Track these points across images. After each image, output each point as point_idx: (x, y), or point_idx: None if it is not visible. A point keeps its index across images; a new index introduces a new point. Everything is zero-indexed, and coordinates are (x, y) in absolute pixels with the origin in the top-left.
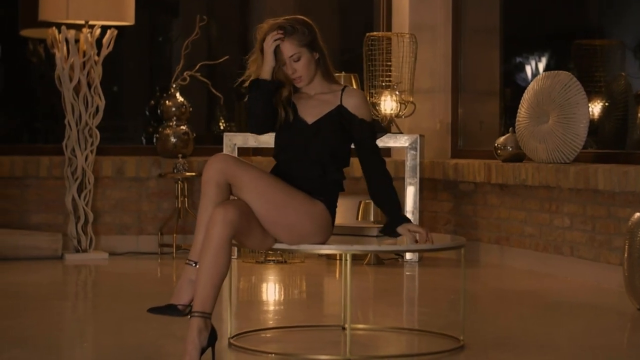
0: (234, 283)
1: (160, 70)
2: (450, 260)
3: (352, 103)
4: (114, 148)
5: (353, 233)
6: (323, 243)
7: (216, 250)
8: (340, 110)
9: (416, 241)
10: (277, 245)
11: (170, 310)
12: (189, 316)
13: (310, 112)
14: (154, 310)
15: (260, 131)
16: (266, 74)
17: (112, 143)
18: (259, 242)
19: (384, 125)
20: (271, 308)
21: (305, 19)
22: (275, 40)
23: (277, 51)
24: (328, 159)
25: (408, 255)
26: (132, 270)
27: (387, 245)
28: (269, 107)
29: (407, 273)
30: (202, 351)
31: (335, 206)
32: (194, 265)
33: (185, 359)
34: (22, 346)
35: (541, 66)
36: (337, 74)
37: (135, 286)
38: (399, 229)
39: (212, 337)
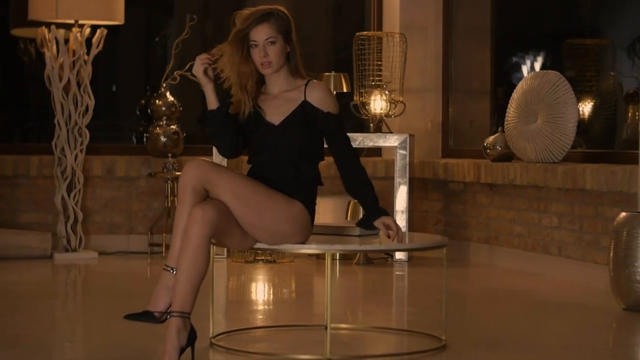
0: (223, 282)
1: (155, 69)
2: (440, 259)
3: (315, 97)
4: (104, 147)
5: (336, 232)
6: (303, 242)
7: (195, 249)
8: (305, 106)
9: (388, 236)
10: (258, 245)
11: (146, 317)
12: (168, 317)
13: (276, 112)
14: (130, 317)
15: (231, 155)
16: (211, 103)
17: (109, 142)
18: (239, 241)
19: (373, 125)
20: (259, 307)
21: (287, 12)
22: (203, 64)
23: (248, 36)
24: (299, 158)
25: (397, 255)
26: (122, 269)
27: (368, 245)
28: (228, 132)
29: (397, 273)
30: (182, 351)
31: (314, 204)
32: (171, 271)
33: (164, 358)
34: (11, 345)
35: (532, 65)
36: (327, 74)
37: (125, 286)
38: (376, 223)
39: (192, 337)
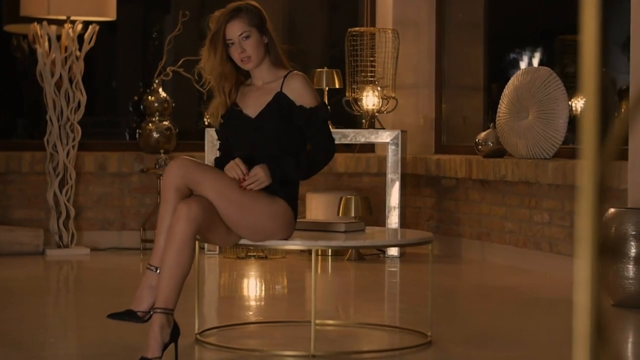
0: (215, 278)
1: (151, 65)
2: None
3: (291, 88)
4: (96, 143)
5: (321, 229)
6: (287, 239)
7: (179, 246)
8: (279, 98)
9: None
10: (242, 242)
11: (129, 316)
12: (152, 312)
13: (254, 104)
14: (113, 316)
15: None
16: None
17: (105, 138)
18: (223, 238)
19: (365, 121)
20: (250, 304)
21: (256, 4)
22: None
23: (223, 37)
24: (278, 151)
25: (389, 251)
26: (114, 265)
27: (352, 241)
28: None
29: (388, 269)
30: (165, 347)
31: (297, 199)
32: (155, 270)
33: (147, 354)
34: (1, 341)
35: (525, 61)
36: (319, 70)
37: (117, 282)
38: (255, 167)
39: (175, 333)
